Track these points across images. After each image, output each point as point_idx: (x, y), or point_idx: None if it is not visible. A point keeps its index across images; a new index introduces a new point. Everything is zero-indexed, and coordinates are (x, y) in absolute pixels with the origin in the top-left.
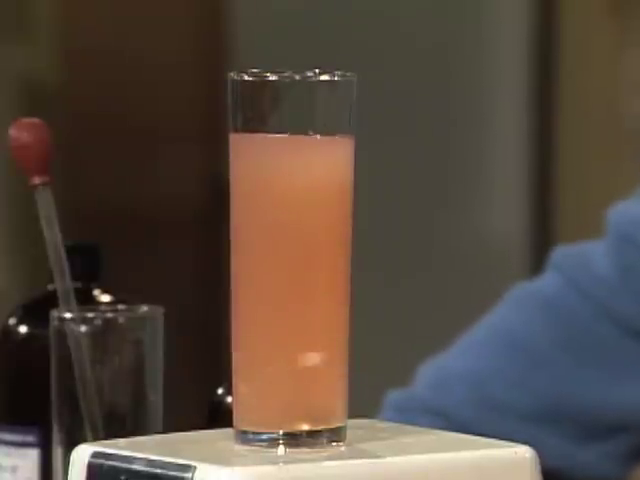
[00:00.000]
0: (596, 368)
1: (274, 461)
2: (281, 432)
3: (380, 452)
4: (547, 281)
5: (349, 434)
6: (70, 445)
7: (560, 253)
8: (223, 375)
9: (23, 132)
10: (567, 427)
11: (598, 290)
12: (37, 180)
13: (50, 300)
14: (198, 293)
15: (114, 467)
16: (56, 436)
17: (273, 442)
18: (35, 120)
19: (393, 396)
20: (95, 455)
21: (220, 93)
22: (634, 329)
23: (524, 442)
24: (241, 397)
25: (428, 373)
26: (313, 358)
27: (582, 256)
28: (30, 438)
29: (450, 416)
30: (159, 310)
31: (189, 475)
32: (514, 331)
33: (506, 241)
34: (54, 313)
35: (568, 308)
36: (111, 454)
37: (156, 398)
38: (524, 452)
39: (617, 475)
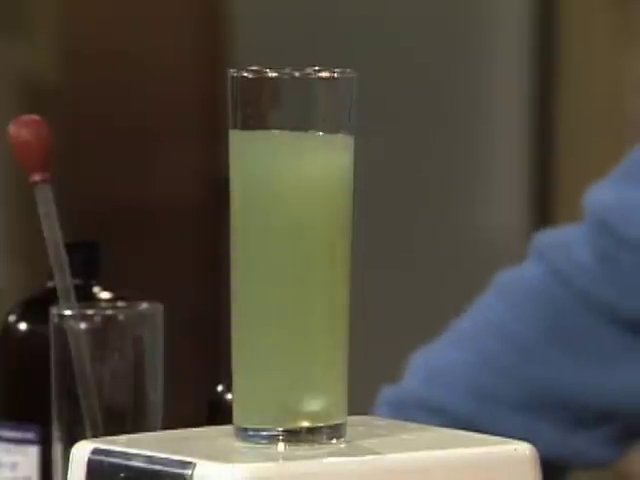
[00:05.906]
0: (580, 355)
1: (274, 458)
2: (281, 429)
3: (380, 449)
4: (530, 270)
5: (349, 431)
6: (70, 442)
7: (542, 240)
8: (223, 372)
9: (23, 129)
10: (557, 415)
11: (578, 277)
12: (37, 177)
13: (50, 297)
14: (198, 290)
15: (114, 464)
16: (56, 433)
17: (273, 439)
18: (34, 117)
19: (387, 392)
20: (95, 452)
21: (220, 93)
22: (615, 316)
23: (517, 432)
24: (241, 394)
25: (420, 366)
26: (313, 355)
27: (563, 243)
28: (30, 435)
29: (446, 412)
30: (159, 307)
31: (189, 472)
32: (500, 321)
33: (505, 236)
34: (54, 310)
35: (551, 296)
36: (111, 451)
37: (156, 395)
38: (524, 449)
39: (608, 461)
